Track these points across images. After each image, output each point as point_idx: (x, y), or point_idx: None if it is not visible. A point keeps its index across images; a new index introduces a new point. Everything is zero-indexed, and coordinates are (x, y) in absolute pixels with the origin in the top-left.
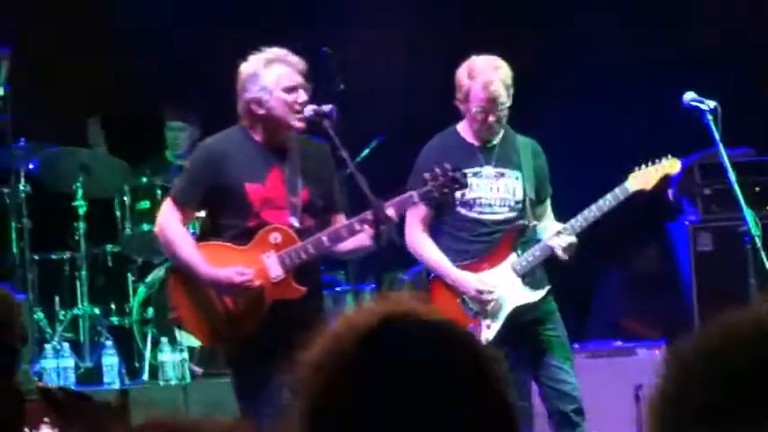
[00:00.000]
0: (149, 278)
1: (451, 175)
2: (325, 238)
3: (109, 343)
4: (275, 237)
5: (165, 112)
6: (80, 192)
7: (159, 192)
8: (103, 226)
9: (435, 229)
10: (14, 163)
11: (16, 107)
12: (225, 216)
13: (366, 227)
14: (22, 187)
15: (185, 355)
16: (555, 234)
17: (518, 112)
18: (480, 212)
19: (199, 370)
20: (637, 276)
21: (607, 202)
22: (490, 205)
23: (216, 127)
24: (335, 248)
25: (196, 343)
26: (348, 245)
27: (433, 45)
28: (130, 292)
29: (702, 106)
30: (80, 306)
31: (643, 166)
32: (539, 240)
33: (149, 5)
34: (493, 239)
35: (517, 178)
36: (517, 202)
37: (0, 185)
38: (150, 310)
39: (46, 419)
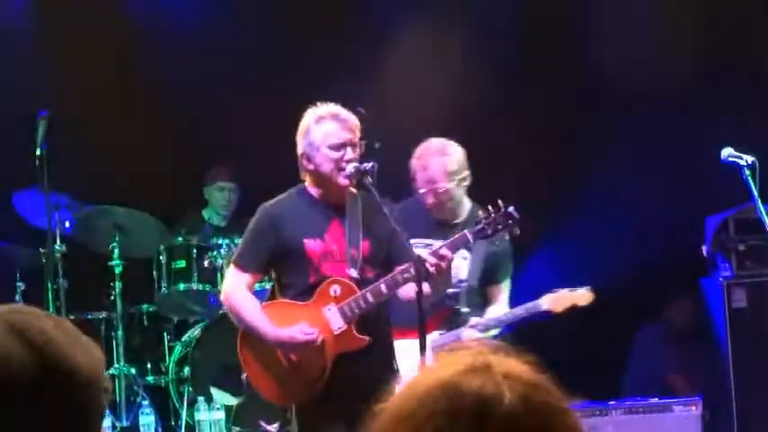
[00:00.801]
0: (185, 337)
1: (504, 211)
2: (383, 286)
3: (145, 402)
4: (335, 289)
5: (217, 172)
6: (116, 251)
7: (195, 251)
8: (139, 285)
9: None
10: (51, 223)
11: (53, 167)
12: (287, 275)
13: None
14: (57, 247)
15: (222, 414)
16: (468, 326)
17: (558, 166)
18: None
19: (272, 428)
20: (672, 333)
21: (520, 311)
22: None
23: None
24: (399, 297)
25: (232, 401)
26: (410, 293)
27: (473, 104)
28: (166, 352)
29: (741, 162)
30: (116, 366)
31: (561, 290)
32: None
33: (186, 63)
34: (429, 311)
35: (465, 258)
36: (460, 281)
37: (36, 245)
38: (186, 369)
39: None
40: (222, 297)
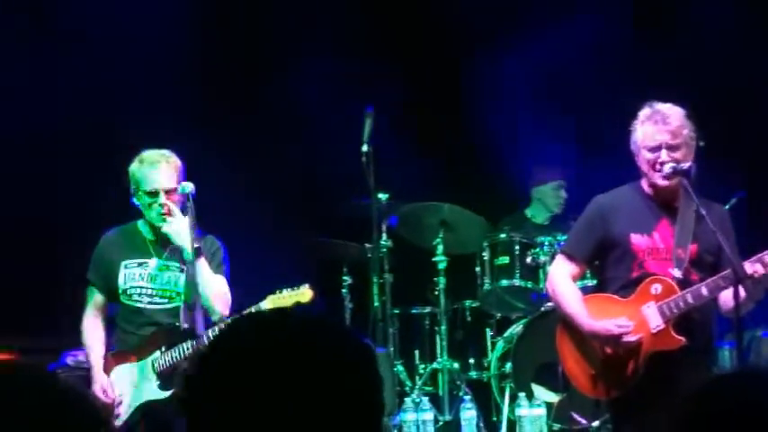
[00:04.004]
0: (507, 333)
1: None
2: (704, 289)
3: (467, 397)
4: (656, 287)
5: (548, 171)
6: (440, 247)
7: (518, 248)
8: (463, 281)
9: None
10: (377, 218)
11: (378, 163)
12: (610, 268)
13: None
14: (383, 242)
15: (543, 410)
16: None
17: None
18: (138, 302)
19: (583, 420)
20: None
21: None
22: (150, 295)
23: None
24: (720, 304)
25: (553, 398)
26: (730, 301)
27: None
28: (489, 347)
29: None
30: (440, 360)
31: (284, 291)
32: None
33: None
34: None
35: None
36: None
37: (363, 241)
38: (508, 365)
39: None
40: (547, 283)
